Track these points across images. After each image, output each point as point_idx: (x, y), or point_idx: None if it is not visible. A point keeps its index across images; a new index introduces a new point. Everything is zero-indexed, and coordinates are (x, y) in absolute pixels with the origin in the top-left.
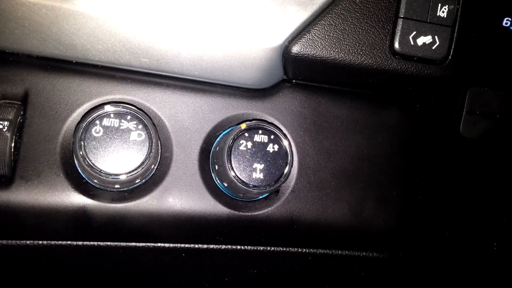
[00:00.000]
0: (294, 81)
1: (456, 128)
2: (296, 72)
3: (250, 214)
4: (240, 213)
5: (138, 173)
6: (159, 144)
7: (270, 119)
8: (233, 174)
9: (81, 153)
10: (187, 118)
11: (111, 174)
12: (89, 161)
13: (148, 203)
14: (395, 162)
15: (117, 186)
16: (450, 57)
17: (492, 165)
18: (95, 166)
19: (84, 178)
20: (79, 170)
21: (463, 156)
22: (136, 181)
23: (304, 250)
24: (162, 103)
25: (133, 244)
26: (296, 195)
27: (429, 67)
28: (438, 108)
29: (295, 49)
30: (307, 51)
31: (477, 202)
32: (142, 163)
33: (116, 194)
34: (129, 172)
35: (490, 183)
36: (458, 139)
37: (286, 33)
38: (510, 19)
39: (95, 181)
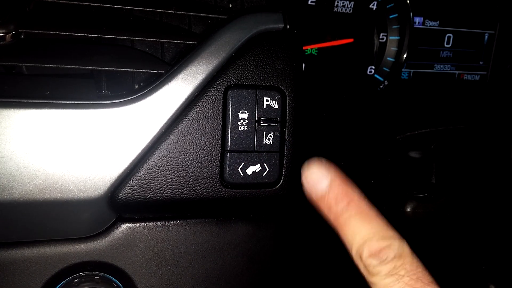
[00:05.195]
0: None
1: None
2: (127, 213)
3: None
4: None
5: None
6: None
7: (109, 260)
8: None
9: None
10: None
11: None
12: None
13: None
14: (246, 279)
15: None
16: (282, 179)
17: None
18: None
19: None
20: None
21: None
22: None
23: None
24: None
25: None
26: None
27: (263, 190)
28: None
29: (122, 195)
30: (135, 196)
31: None
32: None
33: None
34: None
35: None
36: None
37: (109, 182)
38: None
39: None
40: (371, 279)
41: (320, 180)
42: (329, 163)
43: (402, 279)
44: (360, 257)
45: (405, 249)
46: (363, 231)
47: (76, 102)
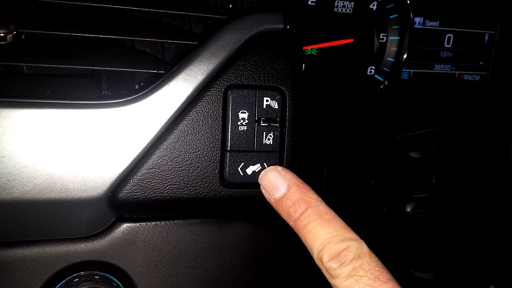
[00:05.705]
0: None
1: None
2: (127, 213)
3: None
4: None
5: None
6: None
7: (109, 260)
8: None
9: None
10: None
11: None
12: None
13: None
14: (246, 278)
15: None
16: None
17: None
18: None
19: None
20: None
21: None
22: None
23: None
24: None
25: None
26: None
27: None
28: None
29: (122, 195)
30: (135, 195)
31: None
32: None
33: None
34: None
35: None
36: None
37: (109, 182)
38: None
39: None
40: (333, 281)
41: (277, 186)
42: (286, 170)
43: (361, 280)
44: (321, 261)
45: (364, 249)
46: (322, 235)
47: (76, 102)
